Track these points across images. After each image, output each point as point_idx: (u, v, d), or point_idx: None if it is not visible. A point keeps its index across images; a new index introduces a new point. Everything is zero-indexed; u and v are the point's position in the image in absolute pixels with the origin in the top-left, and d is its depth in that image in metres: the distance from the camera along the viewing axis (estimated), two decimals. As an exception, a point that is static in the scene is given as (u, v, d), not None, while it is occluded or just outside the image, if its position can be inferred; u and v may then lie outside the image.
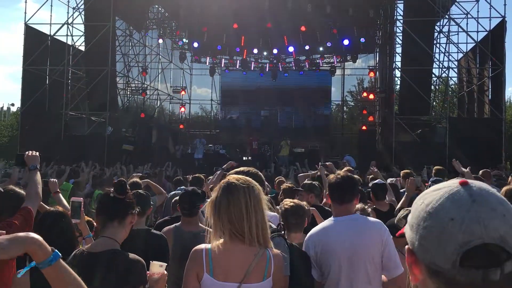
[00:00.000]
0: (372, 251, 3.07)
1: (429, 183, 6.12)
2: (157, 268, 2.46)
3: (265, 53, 26.55)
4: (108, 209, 2.61)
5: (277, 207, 4.02)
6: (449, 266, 0.90)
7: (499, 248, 0.88)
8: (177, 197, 4.78)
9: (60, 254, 1.52)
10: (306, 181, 6.09)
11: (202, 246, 2.32)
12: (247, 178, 2.39)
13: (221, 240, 2.28)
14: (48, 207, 3.41)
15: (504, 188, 3.77)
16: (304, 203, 4.03)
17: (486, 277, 0.88)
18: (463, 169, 4.93)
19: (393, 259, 3.08)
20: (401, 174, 7.56)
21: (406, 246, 1.01)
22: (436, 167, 7.44)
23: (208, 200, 2.43)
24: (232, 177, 2.38)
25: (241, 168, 3.08)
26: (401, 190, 6.99)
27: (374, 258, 3.07)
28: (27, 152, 3.56)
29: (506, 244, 0.89)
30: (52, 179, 4.20)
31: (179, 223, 4.27)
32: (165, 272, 2.48)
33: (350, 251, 3.06)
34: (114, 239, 2.42)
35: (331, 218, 3.29)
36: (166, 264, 2.51)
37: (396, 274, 3.05)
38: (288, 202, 3.82)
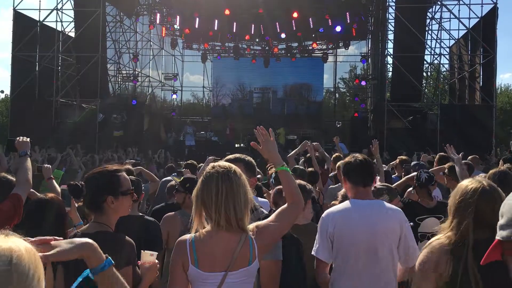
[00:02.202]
0: (390, 238, 3.01)
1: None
2: (148, 257, 2.46)
3: (257, 40, 26.42)
4: (84, 201, 2.61)
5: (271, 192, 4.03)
6: None
7: None
8: (172, 183, 4.78)
9: (113, 262, 1.56)
10: (297, 166, 6.09)
11: (187, 236, 2.29)
12: (227, 164, 2.35)
13: (204, 229, 2.26)
14: (39, 194, 3.39)
15: (490, 171, 3.80)
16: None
17: None
18: (455, 155, 4.95)
19: (410, 249, 3.01)
20: (397, 160, 7.57)
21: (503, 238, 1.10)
22: (439, 153, 7.42)
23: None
24: (211, 165, 2.35)
25: (236, 155, 3.05)
26: (394, 176, 7.05)
27: (392, 246, 3.01)
28: (17, 138, 3.52)
29: None
30: (46, 165, 4.17)
31: (182, 209, 4.25)
32: (156, 261, 2.48)
33: (368, 237, 3.01)
34: (103, 223, 2.43)
35: (351, 201, 3.21)
36: (157, 253, 2.51)
37: (411, 265, 2.88)
38: (280, 186, 3.81)
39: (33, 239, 1.40)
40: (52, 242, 1.44)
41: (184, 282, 2.25)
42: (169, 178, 6.58)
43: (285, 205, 2.49)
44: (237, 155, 3.10)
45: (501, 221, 1.13)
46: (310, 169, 6.44)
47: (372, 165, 3.33)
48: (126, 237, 2.42)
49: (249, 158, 3.12)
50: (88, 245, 1.51)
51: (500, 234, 1.12)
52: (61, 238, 1.50)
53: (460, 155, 5.11)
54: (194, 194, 2.30)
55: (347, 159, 3.37)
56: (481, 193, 2.17)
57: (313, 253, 3.15)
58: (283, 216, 2.43)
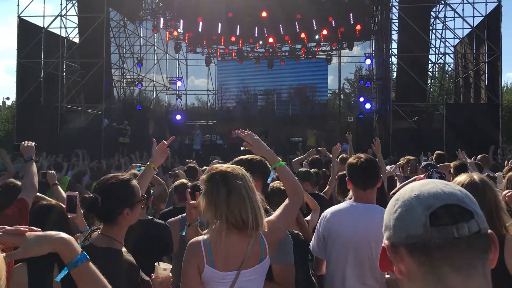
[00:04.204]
0: (375, 245, 2.94)
1: (422, 168, 6.12)
2: (162, 271, 2.43)
3: (260, 42, 26.43)
4: (95, 213, 2.45)
5: None
6: (422, 230, 1.00)
7: (460, 208, 1.01)
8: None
9: (88, 256, 1.53)
10: (301, 169, 6.06)
11: (199, 238, 2.31)
12: (232, 166, 2.37)
13: (217, 230, 2.27)
14: (47, 198, 3.39)
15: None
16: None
17: (457, 231, 0.98)
18: (467, 159, 4.94)
19: None
20: (404, 160, 7.50)
21: (385, 243, 1.09)
22: (437, 151, 7.42)
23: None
24: (214, 167, 2.36)
25: (247, 156, 3.02)
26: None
27: (376, 252, 2.96)
28: (22, 143, 3.53)
29: (466, 204, 1.02)
30: (50, 171, 4.16)
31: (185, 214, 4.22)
32: (170, 275, 2.43)
33: (353, 239, 2.99)
34: (114, 238, 2.34)
35: (350, 202, 3.19)
36: (170, 266, 2.45)
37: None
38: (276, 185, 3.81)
39: (8, 228, 1.38)
40: (27, 234, 1.41)
41: (198, 284, 2.26)
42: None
43: (287, 200, 2.56)
44: (250, 156, 3.04)
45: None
46: (312, 170, 6.41)
47: (376, 167, 3.23)
48: (131, 259, 2.33)
49: (258, 158, 2.98)
50: (61, 239, 1.47)
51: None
52: (39, 230, 1.48)
53: (472, 159, 5.08)
54: (205, 197, 2.29)
55: (350, 160, 3.32)
56: (467, 186, 2.14)
57: (310, 247, 3.24)
58: (287, 210, 2.51)
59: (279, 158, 2.68)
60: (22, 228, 1.42)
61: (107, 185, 2.40)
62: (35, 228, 1.47)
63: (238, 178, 2.27)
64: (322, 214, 3.26)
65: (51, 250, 1.45)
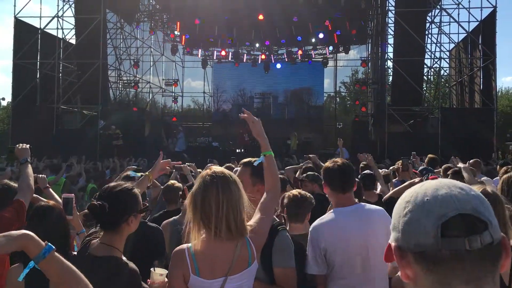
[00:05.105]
0: (380, 240, 2.95)
1: (418, 172, 6.16)
2: (158, 276, 2.43)
3: (257, 45, 26.47)
4: (99, 220, 2.44)
5: None
6: (432, 240, 0.96)
7: (474, 218, 0.96)
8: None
9: (54, 247, 1.52)
10: (310, 172, 6.08)
11: (184, 246, 2.26)
12: (225, 171, 2.33)
13: (201, 237, 2.23)
14: (44, 200, 3.39)
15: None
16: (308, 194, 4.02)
17: (469, 243, 0.94)
18: (461, 165, 4.97)
19: None
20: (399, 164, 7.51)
21: (393, 244, 1.05)
22: (429, 155, 7.47)
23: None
24: (208, 170, 2.32)
25: (245, 160, 3.01)
26: (395, 180, 7.03)
27: (383, 247, 2.98)
28: (17, 146, 3.53)
29: (480, 214, 0.96)
30: (40, 175, 4.14)
31: (177, 216, 4.15)
32: (166, 280, 2.43)
33: (360, 243, 3.00)
34: (112, 246, 2.35)
35: (333, 210, 3.18)
36: (166, 272, 2.44)
37: None
38: (292, 192, 3.81)
39: None
40: None
41: None
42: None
43: (264, 196, 2.53)
44: (248, 159, 3.03)
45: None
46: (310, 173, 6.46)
47: (352, 170, 3.27)
48: (134, 266, 2.34)
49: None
50: (24, 236, 1.48)
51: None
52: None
53: (467, 164, 5.11)
54: (191, 203, 2.25)
55: (326, 164, 3.35)
56: None
57: (306, 271, 3.14)
58: (266, 207, 2.47)
59: (270, 149, 2.67)
60: None
61: (114, 193, 2.39)
62: None
63: (228, 185, 2.23)
64: (312, 228, 3.19)
65: (17, 248, 1.46)
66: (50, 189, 4.01)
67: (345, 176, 3.17)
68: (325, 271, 3.11)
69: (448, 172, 5.57)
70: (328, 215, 3.21)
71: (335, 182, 3.18)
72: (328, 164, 3.31)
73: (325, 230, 3.10)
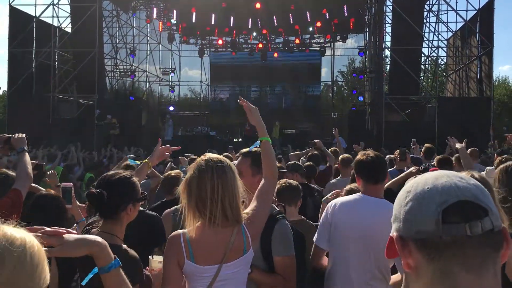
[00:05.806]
0: (384, 238, 2.94)
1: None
2: (157, 264, 2.44)
3: (254, 34, 26.33)
4: (97, 208, 2.45)
5: None
6: (433, 227, 0.96)
7: (475, 205, 0.97)
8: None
9: (120, 263, 1.58)
10: (290, 162, 6.12)
11: (180, 231, 2.25)
12: (220, 157, 2.32)
13: (197, 223, 2.22)
14: (42, 189, 3.39)
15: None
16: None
17: (470, 229, 0.94)
18: (458, 145, 4.94)
19: None
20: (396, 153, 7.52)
21: (394, 235, 1.06)
22: (426, 144, 7.46)
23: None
24: (203, 157, 2.30)
25: (245, 150, 3.00)
26: (393, 169, 7.02)
27: (383, 245, 2.96)
28: (13, 135, 3.50)
29: (480, 201, 0.97)
30: (50, 172, 4.11)
31: (179, 205, 4.13)
32: None
33: (361, 232, 3.02)
34: (112, 234, 2.35)
35: (360, 194, 3.23)
36: None
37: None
38: (283, 181, 3.93)
39: (47, 229, 1.42)
40: (65, 235, 1.45)
41: (179, 279, 2.22)
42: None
43: (262, 183, 2.50)
44: (247, 149, 3.03)
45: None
46: (307, 163, 6.47)
47: (384, 162, 3.36)
48: (134, 253, 2.35)
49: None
50: (97, 243, 1.51)
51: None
52: (75, 232, 1.51)
53: (463, 144, 5.09)
54: (185, 189, 2.24)
55: (358, 156, 3.39)
56: None
57: (314, 240, 3.24)
58: (264, 195, 2.45)
59: (267, 134, 2.66)
60: (60, 230, 1.46)
61: (112, 181, 2.40)
62: (72, 231, 1.50)
63: (223, 172, 2.22)
64: (331, 202, 3.27)
65: (86, 253, 1.50)
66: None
67: (377, 168, 3.23)
68: (325, 247, 3.18)
69: (434, 161, 5.56)
70: (352, 196, 3.29)
71: (368, 173, 3.24)
72: (360, 156, 3.35)
73: (337, 205, 3.19)
